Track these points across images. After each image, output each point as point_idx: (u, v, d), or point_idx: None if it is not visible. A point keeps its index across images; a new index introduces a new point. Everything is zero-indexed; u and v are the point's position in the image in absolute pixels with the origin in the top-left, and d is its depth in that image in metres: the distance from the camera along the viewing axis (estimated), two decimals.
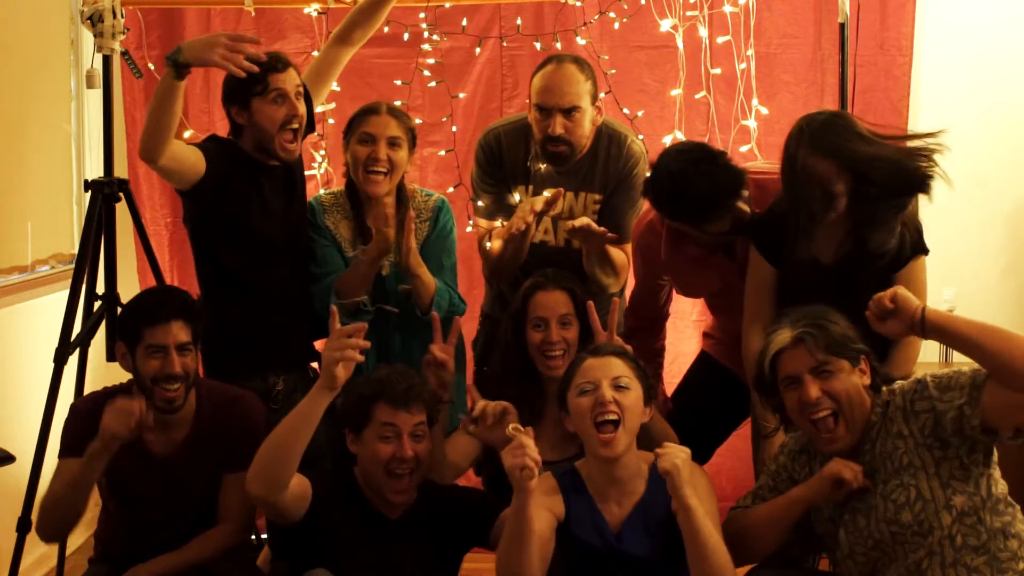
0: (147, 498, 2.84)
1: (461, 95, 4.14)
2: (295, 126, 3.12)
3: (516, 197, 3.33)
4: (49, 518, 2.79)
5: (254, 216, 3.14)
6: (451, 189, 3.63)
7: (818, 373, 2.48)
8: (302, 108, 3.14)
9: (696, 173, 2.88)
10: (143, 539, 2.83)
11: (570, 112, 3.22)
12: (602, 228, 3.14)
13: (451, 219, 3.34)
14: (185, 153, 3.04)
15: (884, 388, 2.52)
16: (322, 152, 4.02)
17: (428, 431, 2.71)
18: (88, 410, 2.82)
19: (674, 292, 3.38)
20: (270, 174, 3.17)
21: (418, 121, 3.64)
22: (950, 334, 2.36)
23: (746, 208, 2.95)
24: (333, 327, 2.60)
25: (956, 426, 2.39)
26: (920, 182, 2.73)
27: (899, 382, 2.53)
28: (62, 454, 2.84)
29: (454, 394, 3.02)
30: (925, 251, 2.91)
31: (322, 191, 3.49)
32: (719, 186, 2.89)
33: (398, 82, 3.84)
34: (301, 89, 3.15)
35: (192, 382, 2.84)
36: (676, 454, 2.49)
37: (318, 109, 3.40)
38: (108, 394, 2.86)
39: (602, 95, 3.34)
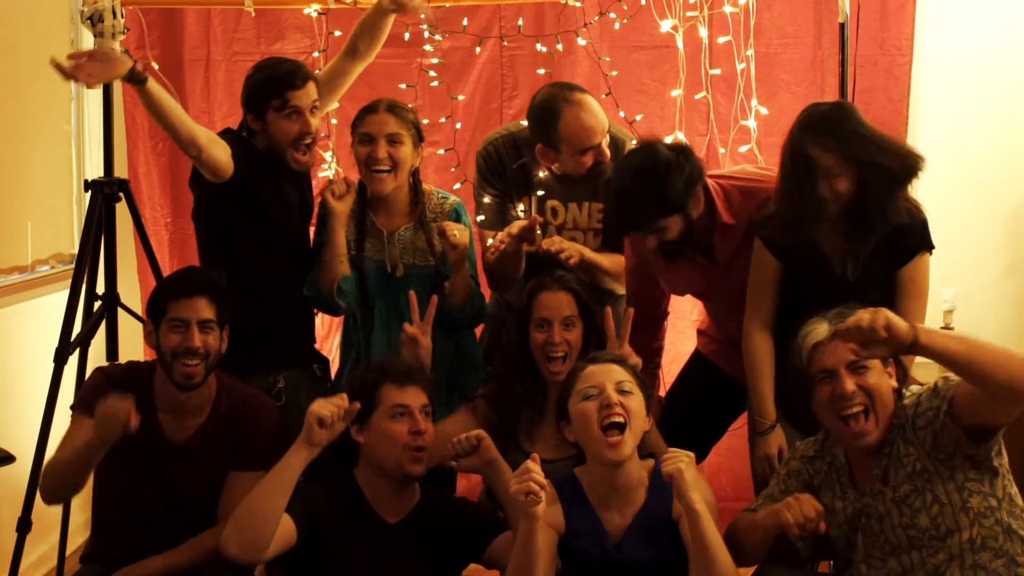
0: (150, 486, 2.83)
1: (460, 97, 4.13)
2: (307, 142, 3.17)
3: (520, 208, 3.33)
4: (51, 484, 2.80)
5: (273, 207, 3.18)
6: (457, 186, 3.63)
7: (854, 368, 2.48)
8: (315, 123, 3.18)
9: (639, 188, 2.92)
10: (139, 535, 2.83)
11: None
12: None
13: (467, 224, 3.31)
14: (222, 145, 3.07)
15: (904, 391, 2.52)
16: (329, 152, 4.02)
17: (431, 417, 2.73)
18: (115, 378, 2.84)
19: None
20: (284, 168, 3.20)
21: (425, 122, 3.63)
22: (939, 355, 2.30)
23: (674, 230, 2.97)
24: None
25: (951, 439, 2.40)
26: (915, 164, 2.79)
27: (908, 391, 2.53)
28: (76, 407, 2.85)
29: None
30: (931, 247, 2.91)
31: None
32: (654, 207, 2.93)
33: (403, 86, 3.84)
34: (317, 103, 3.18)
35: (213, 363, 2.84)
36: (680, 457, 2.47)
37: None
38: (137, 368, 2.90)
39: (603, 96, 3.33)
